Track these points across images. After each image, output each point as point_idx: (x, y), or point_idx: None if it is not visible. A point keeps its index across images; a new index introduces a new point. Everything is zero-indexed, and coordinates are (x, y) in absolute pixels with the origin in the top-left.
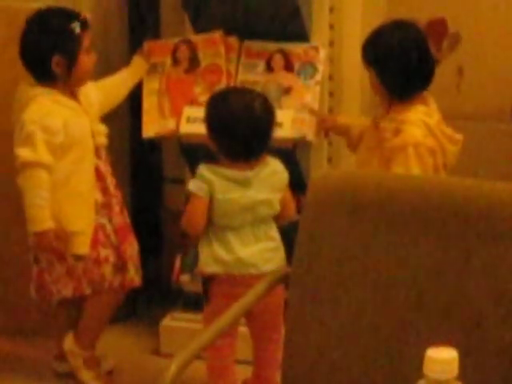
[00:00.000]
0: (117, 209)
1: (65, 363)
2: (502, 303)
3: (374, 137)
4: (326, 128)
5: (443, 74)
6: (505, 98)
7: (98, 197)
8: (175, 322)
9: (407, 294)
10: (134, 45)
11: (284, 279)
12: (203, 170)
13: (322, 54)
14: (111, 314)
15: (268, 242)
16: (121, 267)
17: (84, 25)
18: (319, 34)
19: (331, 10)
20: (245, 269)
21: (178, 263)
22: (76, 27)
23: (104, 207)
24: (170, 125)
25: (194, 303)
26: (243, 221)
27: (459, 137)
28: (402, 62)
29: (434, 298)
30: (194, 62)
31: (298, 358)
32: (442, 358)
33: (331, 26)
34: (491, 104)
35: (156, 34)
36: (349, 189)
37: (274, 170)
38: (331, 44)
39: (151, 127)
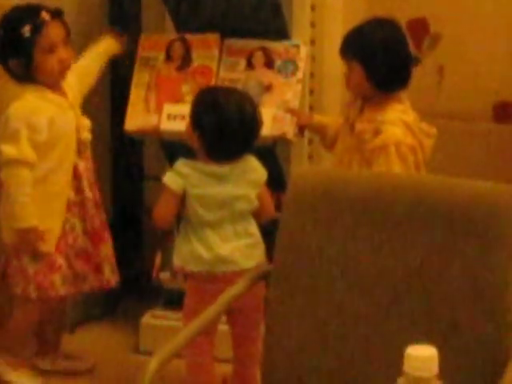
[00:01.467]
0: (92, 208)
1: (46, 360)
2: (480, 303)
3: (350, 138)
4: (301, 125)
5: (424, 73)
6: (485, 98)
7: (71, 195)
8: (155, 319)
9: (386, 291)
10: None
11: (265, 276)
12: (180, 164)
13: (303, 51)
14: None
15: (248, 238)
16: (95, 269)
17: (39, 26)
18: (300, 31)
19: (312, 7)
20: (225, 266)
21: (158, 260)
22: (26, 32)
23: (76, 206)
24: (153, 120)
25: (175, 301)
26: (221, 217)
27: (434, 131)
28: (389, 56)
29: (413, 296)
30: (186, 60)
31: (278, 353)
32: (422, 355)
33: (312, 24)
34: (472, 103)
35: (137, 30)
36: (329, 186)
37: (250, 166)
38: (312, 42)
39: (134, 121)
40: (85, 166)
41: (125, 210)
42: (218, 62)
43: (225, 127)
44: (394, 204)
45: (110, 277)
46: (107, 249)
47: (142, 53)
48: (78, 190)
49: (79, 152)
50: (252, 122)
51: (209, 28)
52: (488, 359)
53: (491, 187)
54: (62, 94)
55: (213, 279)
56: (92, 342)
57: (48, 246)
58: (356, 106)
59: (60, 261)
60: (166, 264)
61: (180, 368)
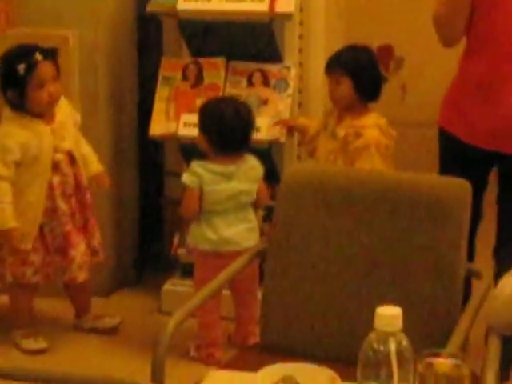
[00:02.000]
0: (63, 216)
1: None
2: (436, 273)
3: (332, 142)
4: (289, 125)
5: (390, 89)
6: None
7: (47, 204)
8: (174, 286)
9: (362, 264)
10: (141, 61)
11: (261, 254)
12: (194, 165)
13: (293, 72)
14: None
15: (247, 223)
16: (60, 267)
17: (32, 65)
18: (291, 56)
19: (300, 37)
20: (229, 246)
21: (176, 240)
22: (20, 69)
23: (50, 214)
24: (172, 127)
25: (189, 272)
26: (227, 207)
27: (394, 132)
28: (372, 73)
29: (384, 267)
30: (199, 79)
31: (273, 313)
32: (389, 314)
33: (300, 50)
34: (429, 114)
35: (159, 54)
36: (314, 180)
37: (251, 165)
38: (300, 64)
39: (157, 128)
40: (59, 180)
41: (149, 199)
42: (224, 81)
43: (224, 128)
44: (367, 193)
45: (78, 274)
46: (76, 251)
47: (163, 73)
48: (52, 200)
49: (54, 169)
50: (247, 122)
51: (217, 53)
52: (442, 315)
53: (446, 180)
54: (49, 121)
55: (218, 256)
56: (123, 304)
57: (25, 244)
58: (334, 116)
59: (33, 257)
60: (183, 243)
61: (193, 325)
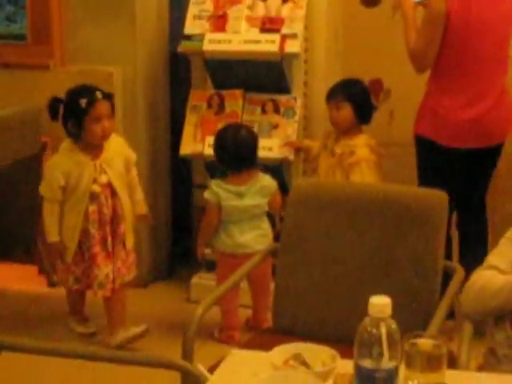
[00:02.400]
0: (92, 239)
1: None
2: (419, 268)
3: (331, 159)
4: (296, 146)
5: (380, 115)
6: None
7: (83, 228)
8: (200, 280)
9: (357, 261)
10: (173, 92)
11: (273, 252)
12: (213, 184)
13: (299, 102)
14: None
15: (259, 230)
16: (86, 283)
17: (92, 101)
18: (297, 89)
19: (305, 72)
20: (242, 249)
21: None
22: (82, 103)
23: (85, 235)
24: (198, 148)
25: (213, 268)
26: (241, 218)
27: (383, 151)
28: (368, 101)
29: (375, 264)
30: (221, 108)
31: (283, 302)
32: (380, 303)
33: (305, 84)
34: (412, 136)
35: (188, 87)
36: (317, 192)
37: (262, 184)
38: (305, 95)
39: (186, 148)
40: (95, 209)
41: (179, 207)
42: (242, 109)
43: (222, 153)
44: (360, 202)
45: (97, 291)
46: (99, 271)
47: (191, 102)
48: (86, 224)
49: (92, 198)
50: (246, 146)
51: (236, 86)
52: (424, 304)
53: (426, 191)
54: (96, 155)
55: (234, 257)
56: (157, 294)
57: (67, 257)
58: (332, 137)
59: (74, 268)
60: (207, 245)
61: (217, 312)
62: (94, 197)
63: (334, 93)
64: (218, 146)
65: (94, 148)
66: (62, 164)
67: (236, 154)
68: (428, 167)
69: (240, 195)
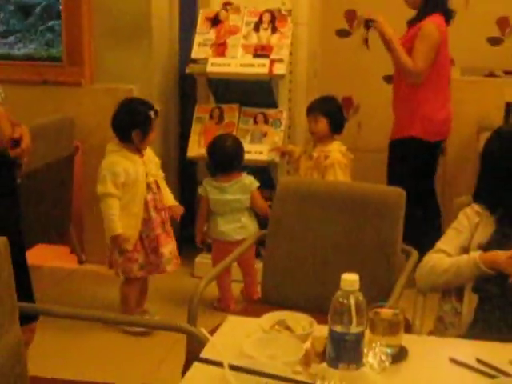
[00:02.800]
0: (154, 222)
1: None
2: (382, 251)
3: (309, 162)
4: (281, 151)
5: (350, 126)
6: (385, 140)
7: (144, 216)
8: (203, 259)
9: (331, 245)
10: (182, 106)
11: (261, 239)
12: (204, 182)
13: (284, 114)
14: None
15: (238, 223)
16: (155, 263)
17: (156, 113)
18: (283, 103)
19: (290, 90)
20: (223, 237)
21: (205, 227)
22: (152, 114)
23: (146, 223)
24: (202, 152)
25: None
26: (225, 210)
27: (352, 155)
28: (339, 115)
29: (345, 247)
30: (220, 119)
31: (270, 277)
32: (350, 278)
33: (290, 100)
34: (377, 143)
35: (194, 102)
36: (298, 188)
37: (243, 183)
38: (289, 109)
39: (192, 152)
40: (151, 198)
41: (186, 199)
42: (238, 120)
43: (211, 158)
44: (332, 196)
45: (166, 266)
46: (167, 249)
47: (196, 115)
48: (147, 212)
49: (148, 189)
50: (229, 153)
51: (233, 101)
52: (385, 280)
53: (386, 188)
54: (141, 155)
55: (221, 242)
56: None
57: (129, 246)
58: (311, 144)
59: (137, 256)
60: (203, 232)
61: (215, 287)
62: (149, 188)
63: (312, 108)
64: (208, 152)
65: (138, 149)
66: (120, 163)
67: (220, 159)
68: (418, 164)
69: (223, 191)
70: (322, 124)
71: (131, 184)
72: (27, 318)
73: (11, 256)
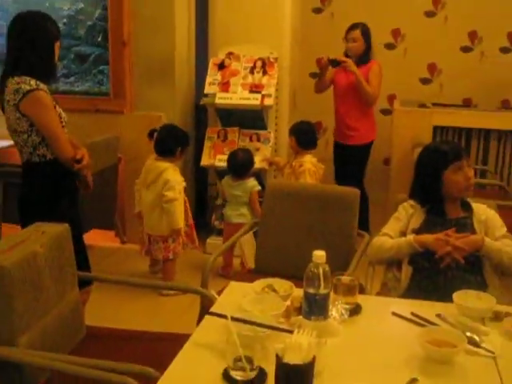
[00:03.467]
0: (190, 215)
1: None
2: (341, 233)
3: (289, 169)
4: (270, 161)
5: (320, 143)
6: None
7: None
8: (212, 240)
9: (305, 230)
10: (197, 128)
11: (256, 224)
12: (223, 179)
13: (272, 135)
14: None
15: (238, 211)
16: (189, 244)
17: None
18: (271, 126)
19: (276, 117)
20: (227, 219)
21: (213, 217)
22: (187, 140)
23: (185, 215)
24: (212, 161)
25: (220, 233)
26: (231, 201)
27: (323, 166)
28: (311, 135)
29: (316, 231)
30: (225, 138)
31: (262, 253)
32: (319, 254)
33: (276, 124)
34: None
35: (206, 125)
36: (281, 188)
37: (246, 185)
38: (276, 131)
39: (205, 161)
40: (186, 199)
41: (200, 195)
42: (238, 139)
43: (227, 164)
44: (307, 195)
45: (196, 245)
46: (194, 234)
47: (208, 134)
48: (186, 208)
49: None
50: (238, 163)
51: (234, 125)
52: (345, 256)
53: (345, 188)
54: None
55: (227, 224)
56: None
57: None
58: (292, 157)
59: (182, 239)
60: (217, 218)
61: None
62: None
63: (290, 131)
64: (227, 160)
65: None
66: (179, 175)
67: (232, 166)
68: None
69: (232, 187)
70: (292, 141)
71: (181, 189)
72: (85, 283)
73: (73, 238)
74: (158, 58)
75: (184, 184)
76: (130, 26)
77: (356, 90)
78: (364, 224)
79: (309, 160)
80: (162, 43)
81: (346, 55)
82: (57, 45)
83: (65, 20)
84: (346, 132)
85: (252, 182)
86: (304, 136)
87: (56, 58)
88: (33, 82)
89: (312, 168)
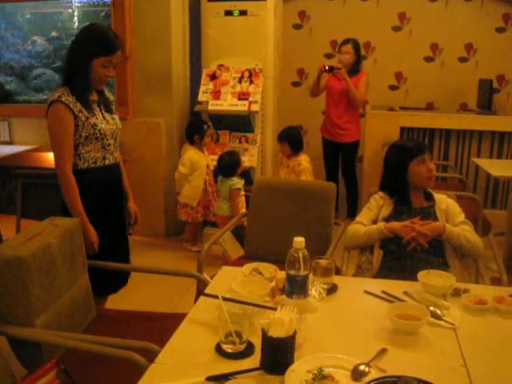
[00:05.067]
0: (209, 192)
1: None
2: (320, 222)
3: (287, 169)
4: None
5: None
6: (321, 151)
7: (203, 188)
8: (207, 231)
9: (287, 219)
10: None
11: (244, 215)
12: (218, 177)
13: (258, 137)
14: (195, 231)
15: (222, 205)
16: (206, 215)
17: (208, 126)
18: (258, 129)
19: (262, 121)
20: (215, 211)
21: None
22: (205, 127)
23: (204, 192)
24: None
25: (214, 225)
26: (219, 196)
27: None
28: (298, 139)
29: (297, 220)
30: (217, 140)
31: (250, 241)
32: (299, 240)
33: (262, 127)
34: (317, 153)
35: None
36: (267, 183)
37: (228, 183)
38: (262, 133)
39: None
40: (208, 178)
41: None
42: (228, 141)
43: (217, 165)
44: (289, 188)
45: (212, 218)
46: (212, 207)
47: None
48: (205, 186)
49: (206, 173)
50: (223, 165)
51: (225, 128)
52: (323, 242)
53: (323, 183)
54: (203, 152)
55: (215, 215)
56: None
57: (194, 203)
58: (284, 159)
59: (199, 209)
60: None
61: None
62: (207, 172)
63: (279, 136)
64: (217, 162)
65: (200, 148)
66: (193, 155)
67: (219, 167)
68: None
69: (221, 184)
70: (285, 147)
71: (197, 168)
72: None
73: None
74: (156, 70)
75: (198, 163)
76: (132, 42)
77: (347, 95)
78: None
79: (305, 159)
80: (160, 57)
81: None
82: (97, 61)
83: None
84: (338, 131)
85: (233, 181)
86: (296, 142)
87: (94, 73)
88: (59, 93)
89: (309, 166)
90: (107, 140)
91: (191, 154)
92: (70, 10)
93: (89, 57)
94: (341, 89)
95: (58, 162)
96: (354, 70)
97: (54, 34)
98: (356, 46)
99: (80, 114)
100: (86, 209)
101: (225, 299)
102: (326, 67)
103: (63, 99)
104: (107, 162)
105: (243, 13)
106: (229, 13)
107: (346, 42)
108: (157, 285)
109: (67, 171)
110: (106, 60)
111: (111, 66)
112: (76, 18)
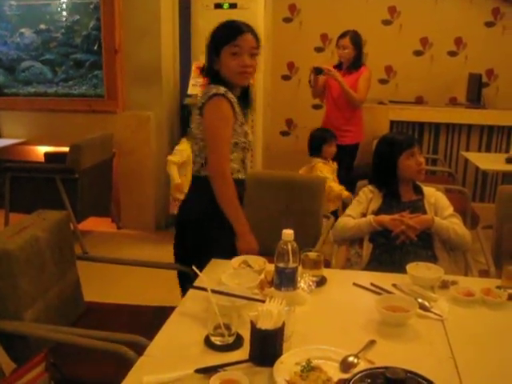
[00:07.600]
0: None
1: None
2: (309, 215)
3: (308, 169)
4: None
5: (290, 138)
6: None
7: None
8: None
9: (281, 211)
10: (182, 125)
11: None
12: None
13: (249, 130)
14: None
15: None
16: None
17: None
18: (248, 122)
19: (251, 115)
20: None
21: None
22: None
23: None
24: None
25: None
26: None
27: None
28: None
29: (289, 213)
30: None
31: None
32: (288, 233)
33: (252, 120)
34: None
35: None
36: (260, 177)
37: None
38: (252, 127)
39: None
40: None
41: None
42: None
43: None
44: (281, 182)
45: None
46: None
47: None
48: None
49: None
50: None
51: None
52: (312, 235)
53: (312, 177)
54: None
55: None
56: None
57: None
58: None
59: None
60: None
61: None
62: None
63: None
64: None
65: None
66: (184, 147)
67: None
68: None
69: None
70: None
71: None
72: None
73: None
74: (146, 63)
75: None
76: (121, 36)
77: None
78: None
79: (321, 161)
80: (149, 50)
81: (340, 61)
82: (226, 49)
83: (63, 30)
84: (338, 132)
85: None
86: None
87: (225, 67)
88: (219, 89)
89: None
90: (248, 154)
91: (185, 146)
92: (58, 2)
93: (215, 46)
94: (339, 87)
95: (218, 162)
96: (355, 65)
97: (42, 26)
98: (355, 38)
99: (239, 117)
100: (223, 215)
101: (214, 292)
102: (314, 68)
103: (229, 96)
104: (240, 176)
105: (233, 6)
106: (219, 6)
107: (343, 35)
108: (146, 278)
109: (228, 173)
110: (233, 46)
111: (243, 52)
112: (65, 11)
